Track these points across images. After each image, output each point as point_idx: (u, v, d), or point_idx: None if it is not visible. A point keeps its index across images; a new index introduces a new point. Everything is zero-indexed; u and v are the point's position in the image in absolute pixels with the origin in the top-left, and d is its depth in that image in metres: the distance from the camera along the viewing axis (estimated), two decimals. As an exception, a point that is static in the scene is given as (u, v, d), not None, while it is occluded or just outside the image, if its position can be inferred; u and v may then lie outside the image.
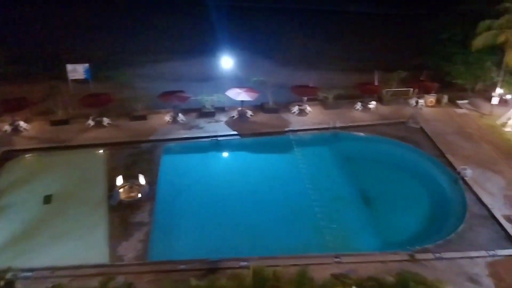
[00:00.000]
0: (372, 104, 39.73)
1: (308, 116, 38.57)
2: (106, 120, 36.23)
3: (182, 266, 21.93)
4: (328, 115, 38.45)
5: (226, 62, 39.57)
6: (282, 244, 24.69)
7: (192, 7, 67.54)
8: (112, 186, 28.23)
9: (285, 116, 38.49)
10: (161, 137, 34.81)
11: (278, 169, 32.90)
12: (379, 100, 40.68)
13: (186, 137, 35.12)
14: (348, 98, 40.60)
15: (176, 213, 27.65)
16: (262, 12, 68.46)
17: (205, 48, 48.51)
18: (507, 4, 36.35)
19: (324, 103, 40.03)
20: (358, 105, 39.62)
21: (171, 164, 32.22)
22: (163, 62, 48.60)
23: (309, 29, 61.66)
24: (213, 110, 38.14)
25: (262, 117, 38.36)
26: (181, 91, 37.02)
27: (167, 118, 37.11)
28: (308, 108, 39.12)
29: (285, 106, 39.50)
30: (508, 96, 39.40)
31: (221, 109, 38.56)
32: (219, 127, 36.63)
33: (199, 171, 32.21)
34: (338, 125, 36.64)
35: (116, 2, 70.78)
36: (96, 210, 26.96)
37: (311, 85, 39.58)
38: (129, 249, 23.57)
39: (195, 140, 35.03)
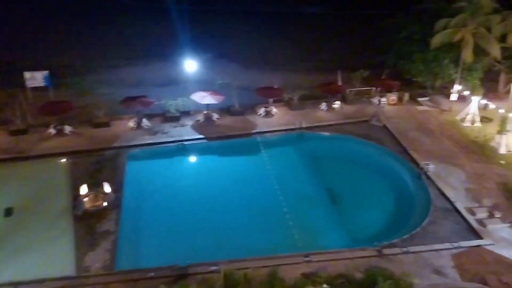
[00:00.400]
0: (337, 104, 40.32)
1: (274, 118, 38.73)
2: (67, 128, 35.17)
3: (151, 274, 21.50)
4: (294, 116, 38.75)
5: (190, 65, 39.25)
6: (252, 246, 24.61)
7: (153, 11, 66.84)
8: (76, 195, 27.39)
9: (252, 118, 38.51)
10: (125, 144, 34.09)
11: (246, 171, 32.86)
12: (343, 100, 41.33)
13: (151, 143, 34.56)
14: (313, 98, 41.06)
15: (144, 220, 27.12)
16: (225, 15, 68.53)
17: (168, 52, 48.04)
18: (462, 3, 37.70)
19: (289, 104, 40.32)
20: (323, 105, 40.12)
21: (136, 171, 31.58)
22: (125, 67, 47.78)
23: (273, 31, 62.18)
24: (178, 115, 37.70)
25: (228, 120, 38.23)
26: (144, 96, 36.42)
27: (131, 124, 36.40)
28: (274, 110, 39.29)
29: (251, 108, 39.53)
30: (466, 92, 40.83)
31: (187, 113, 38.18)
32: (185, 131, 36.23)
33: (165, 177, 31.75)
34: (304, 125, 36.98)
35: (74, 7, 69.16)
36: (60, 221, 26.09)
37: (276, 86, 39.79)
38: (96, 259, 22.89)
39: (161, 145, 34.52)
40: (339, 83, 41.46)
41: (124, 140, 34.57)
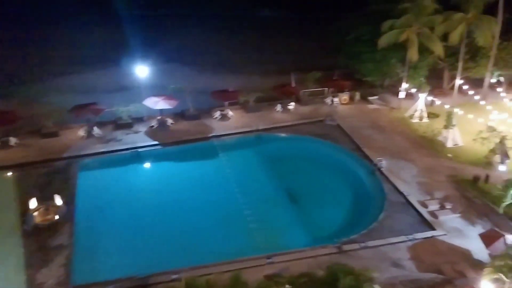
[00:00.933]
0: (292, 105, 40.81)
1: (230, 121, 38.61)
2: (13, 140, 33.38)
3: (110, 287, 20.72)
4: (250, 118, 38.82)
5: (141, 70, 38.26)
6: (214, 251, 24.30)
7: (102, 16, 64.92)
8: (25, 210, 25.97)
9: (207, 122, 38.20)
10: (76, 153, 32.81)
11: (204, 176, 32.50)
12: (298, 101, 41.90)
13: (104, 151, 33.48)
14: (268, 100, 41.33)
15: (99, 231, 26.10)
16: (176, 19, 67.79)
17: (118, 57, 46.71)
18: (406, 5, 39.22)
19: (245, 107, 40.35)
20: (278, 107, 40.48)
21: (89, 181, 30.46)
22: (73, 74, 46.07)
23: (227, 34, 62.05)
24: (130, 121, 36.77)
25: (183, 124, 37.71)
26: (95, 104, 35.24)
27: (81, 132, 35.08)
28: (230, 113, 39.18)
29: (207, 112, 39.24)
30: (413, 90, 42.46)
31: (139, 119, 37.32)
32: (139, 138, 35.38)
33: (120, 186, 30.80)
34: (260, 127, 37.13)
35: (18, 13, 65.94)
36: (8, 237, 24.64)
37: (231, 89, 39.72)
38: (50, 276, 21.77)
39: (114, 153, 33.51)
40: (293, 85, 42.02)
41: (75, 150, 33.25)
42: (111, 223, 26.95)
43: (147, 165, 34.55)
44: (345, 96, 42.53)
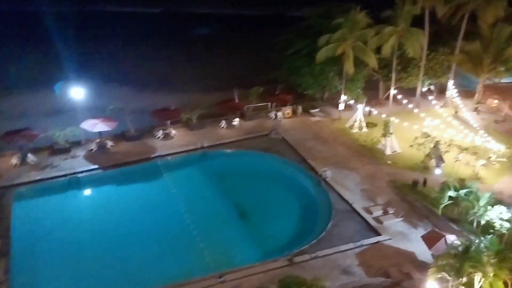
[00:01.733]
0: (236, 121, 40.81)
1: (174, 140, 37.88)
2: None
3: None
4: (194, 135, 38.32)
5: (78, 92, 36.58)
6: (163, 275, 23.41)
7: (34, 36, 61.96)
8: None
9: (150, 142, 37.23)
10: (9, 183, 30.68)
11: (149, 198, 31.51)
12: (242, 116, 41.98)
13: (40, 179, 31.58)
14: (212, 117, 41.06)
15: (38, 263, 24.42)
16: (114, 38, 65.85)
17: (52, 79, 44.63)
18: (340, 20, 40.77)
19: (188, 125, 39.79)
20: (223, 123, 40.32)
21: (25, 211, 28.60)
22: (2, 97, 43.15)
23: (167, 52, 61.20)
24: (68, 146, 35.03)
25: (124, 146, 36.49)
26: (28, 129, 33.28)
27: (14, 160, 32.90)
28: (173, 131, 38.46)
29: (149, 132, 38.28)
30: (351, 101, 43.96)
31: (77, 143, 35.67)
32: (77, 163, 33.75)
33: (59, 214, 29.10)
34: (205, 144, 36.72)
35: None
36: None
37: (173, 107, 39.07)
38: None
39: (51, 180, 31.71)
40: (237, 100, 42.06)
41: (7, 179, 31.10)
42: (51, 254, 25.33)
43: (87, 191, 32.97)
44: (288, 110, 43.21)
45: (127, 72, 52.52)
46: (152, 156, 35.31)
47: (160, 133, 37.86)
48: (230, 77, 50.61)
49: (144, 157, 35.08)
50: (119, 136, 37.23)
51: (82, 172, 32.75)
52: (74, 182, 31.99)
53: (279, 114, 42.51)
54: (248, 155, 36.42)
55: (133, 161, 34.47)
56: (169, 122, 38.70)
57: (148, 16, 79.49)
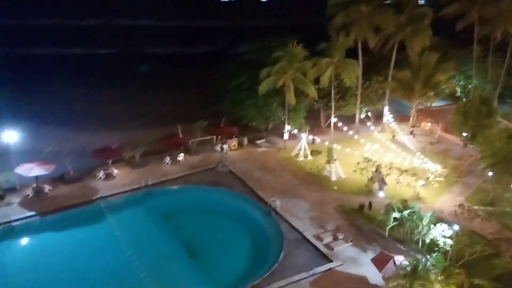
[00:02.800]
0: (181, 156, 40.13)
1: (116, 179, 36.48)
2: None
3: None
4: (138, 174, 37.14)
5: (11, 136, 34.43)
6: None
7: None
8: None
9: (91, 183, 35.58)
10: None
11: (93, 243, 29.73)
12: (187, 151, 41.40)
13: (-31, 231, 29.03)
14: (156, 153, 40.14)
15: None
16: (49, 78, 63.37)
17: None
18: (279, 53, 41.94)
19: (131, 163, 38.58)
20: (167, 159, 39.50)
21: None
22: None
23: (104, 90, 59.57)
24: (1, 193, 32.67)
25: (64, 189, 34.59)
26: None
27: None
28: (115, 171, 37.07)
29: (89, 173, 36.64)
30: (295, 131, 44.84)
31: (12, 190, 33.40)
32: (12, 210, 31.48)
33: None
34: (150, 182, 35.64)
35: None
36: None
37: (114, 146, 37.83)
38: None
39: (-18, 231, 29.21)
40: (181, 135, 41.55)
41: None
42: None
43: (24, 240, 30.64)
44: (234, 142, 43.23)
45: (65, 113, 50.43)
46: (94, 198, 33.72)
47: (101, 174, 36.35)
48: (173, 112, 50.02)
49: (85, 199, 33.41)
50: (58, 179, 35.34)
51: (17, 220, 30.54)
52: (9, 231, 29.70)
53: (225, 146, 42.41)
54: (195, 191, 35.73)
55: (74, 204, 32.69)
56: (110, 161, 37.35)
57: (87, 57, 77.69)
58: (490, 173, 35.63)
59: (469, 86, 56.56)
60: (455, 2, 50.81)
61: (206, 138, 43.02)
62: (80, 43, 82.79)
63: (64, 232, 31.08)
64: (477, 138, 38.59)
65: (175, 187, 36.14)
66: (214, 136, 43.47)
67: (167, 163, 39.34)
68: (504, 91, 60.59)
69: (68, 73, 65.60)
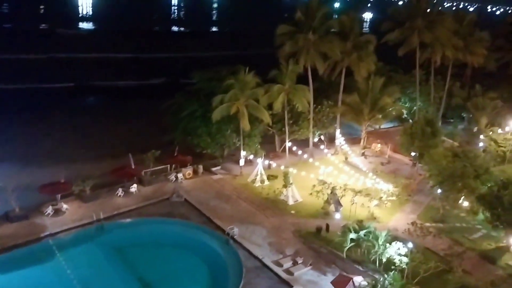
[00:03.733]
0: (134, 187, 38.93)
1: (66, 215, 34.68)
2: None
3: None
4: (89, 208, 35.51)
5: None
6: None
7: None
8: None
9: (38, 220, 33.62)
10: None
11: (42, 283, 27.85)
12: (140, 182, 40.24)
13: None
14: (107, 186, 38.72)
15: None
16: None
17: None
18: (231, 81, 42.23)
19: (82, 197, 36.91)
20: (120, 191, 38.15)
21: None
22: None
23: (49, 124, 57.26)
24: None
25: (9, 228, 32.40)
26: None
27: None
28: (65, 206, 35.30)
29: (36, 209, 34.63)
30: (251, 156, 44.91)
31: None
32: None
33: None
34: (102, 216, 34.16)
35: None
36: None
37: (63, 180, 36.17)
38: None
39: None
40: (133, 166, 40.41)
41: None
42: None
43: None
44: (188, 171, 42.57)
45: (7, 147, 47.83)
46: (42, 235, 31.82)
47: (49, 209, 34.47)
48: (124, 143, 48.89)
49: (32, 238, 31.42)
50: (2, 217, 33.16)
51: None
52: None
53: (180, 175, 41.64)
54: (149, 223, 34.58)
55: (20, 244, 30.63)
56: (59, 196, 35.59)
57: (32, 91, 74.59)
58: (439, 191, 37.12)
59: (414, 108, 59.48)
60: (396, 29, 53.88)
61: (160, 167, 42.10)
62: (28, 77, 79.78)
63: (10, 274, 28.89)
64: (424, 157, 40.41)
65: (128, 220, 34.84)
66: (168, 166, 42.68)
67: (120, 195, 37.99)
68: (446, 112, 64.46)
69: (14, 108, 62.61)
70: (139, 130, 54.91)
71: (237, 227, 32.67)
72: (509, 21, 76.39)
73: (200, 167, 43.61)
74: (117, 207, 36.12)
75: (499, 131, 52.25)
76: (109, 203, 36.62)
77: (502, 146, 49.68)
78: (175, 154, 43.41)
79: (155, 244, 32.48)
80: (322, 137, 51.71)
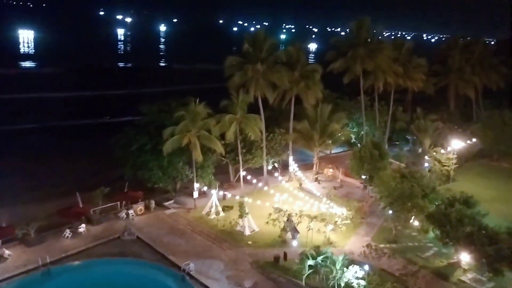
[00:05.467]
0: (82, 227, 37.02)
1: (8, 261, 32.22)
2: None
3: None
4: (34, 252, 33.24)
5: None
6: None
7: None
8: None
9: (-24, 270, 31.08)
10: None
11: None
12: (89, 221, 38.36)
13: None
14: (53, 227, 36.58)
15: None
16: None
17: None
18: (181, 113, 41.83)
19: (26, 241, 34.54)
20: (67, 232, 36.11)
21: None
22: None
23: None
24: None
25: None
26: None
27: None
28: (7, 252, 32.86)
29: (-26, 258, 32.06)
30: (205, 188, 44.19)
31: None
32: None
33: None
34: (48, 260, 32.06)
35: None
36: None
37: (4, 224, 33.88)
38: None
39: None
40: (81, 205, 38.58)
41: None
42: None
43: None
44: (140, 207, 41.16)
45: None
46: (-20, 287, 29.36)
47: (-11, 257, 32.04)
48: (70, 181, 46.70)
49: (-32, 290, 28.94)
50: None
51: None
52: None
53: (131, 212, 40.15)
54: (100, 264, 32.76)
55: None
56: (0, 242, 33.19)
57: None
58: (390, 212, 38.06)
59: (362, 133, 61.53)
60: (340, 58, 56.19)
61: (109, 205, 40.43)
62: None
63: None
64: (374, 179, 41.53)
65: (77, 262, 32.87)
66: (118, 202, 41.05)
67: (67, 236, 35.94)
68: (392, 135, 67.23)
69: None
70: (86, 168, 52.77)
71: (193, 262, 31.69)
72: (443, 48, 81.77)
73: (152, 202, 42.34)
74: (65, 250, 34.09)
75: (442, 151, 54.86)
76: (56, 246, 34.51)
77: (445, 165, 52.15)
78: (125, 190, 41.99)
79: (107, 286, 30.80)
80: (276, 165, 52.05)
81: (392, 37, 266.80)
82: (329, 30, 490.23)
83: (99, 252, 34.30)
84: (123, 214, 39.91)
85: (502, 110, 62.90)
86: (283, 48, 54.96)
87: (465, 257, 32.17)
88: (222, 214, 40.85)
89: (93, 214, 38.89)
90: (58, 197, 42.09)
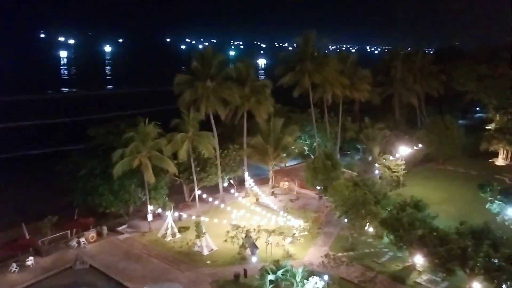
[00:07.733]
0: (30, 260, 34.87)
1: None
2: None
3: None
4: (-25, 292, 31.03)
5: None
6: None
7: None
8: None
9: None
10: None
11: None
12: (37, 253, 36.23)
13: None
14: (-3, 263, 34.30)
15: None
16: None
17: None
18: (131, 133, 40.69)
19: (-35, 280, 32.17)
20: (13, 266, 33.87)
21: None
22: None
23: None
24: None
25: None
26: None
27: None
28: None
29: None
30: (159, 210, 43.02)
31: None
32: None
33: None
34: (-8, 299, 29.97)
35: None
36: None
37: None
38: None
39: None
40: (27, 236, 36.39)
41: None
42: None
43: None
44: (91, 234, 39.39)
45: None
46: None
47: None
48: (12, 212, 43.90)
49: None
50: None
51: None
52: None
53: (82, 240, 38.30)
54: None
55: None
56: None
57: None
58: (345, 220, 38.71)
59: (314, 144, 62.61)
60: (288, 73, 57.22)
61: (59, 234, 38.34)
62: None
63: None
64: (328, 189, 42.17)
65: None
66: (68, 231, 39.04)
67: (14, 271, 33.68)
68: (342, 145, 68.96)
69: None
70: (32, 196, 49.91)
71: (150, 287, 30.59)
72: (386, 59, 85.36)
73: (104, 228, 40.64)
74: (12, 285, 31.98)
75: (391, 158, 56.76)
76: (1, 282, 32.26)
77: (395, 172, 53.97)
78: (75, 217, 40.18)
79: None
80: (232, 181, 51.71)
81: (338, 50, 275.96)
82: (277, 45, 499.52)
83: (49, 284, 32.53)
84: (74, 242, 37.99)
85: (443, 115, 66.15)
86: (232, 64, 55.11)
87: (419, 260, 33.10)
88: (178, 235, 39.89)
89: (42, 245, 36.75)
90: (2, 229, 39.48)
